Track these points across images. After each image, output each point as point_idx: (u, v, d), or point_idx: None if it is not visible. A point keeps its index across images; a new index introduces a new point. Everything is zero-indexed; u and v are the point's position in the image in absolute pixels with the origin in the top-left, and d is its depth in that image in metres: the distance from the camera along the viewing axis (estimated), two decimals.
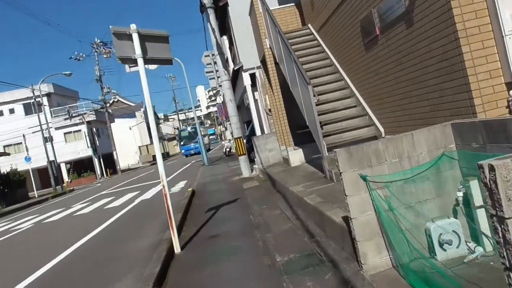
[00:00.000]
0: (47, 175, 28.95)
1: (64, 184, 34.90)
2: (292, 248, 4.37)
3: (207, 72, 14.07)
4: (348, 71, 7.87)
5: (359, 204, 3.24)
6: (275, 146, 11.61)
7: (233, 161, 19.82)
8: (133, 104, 59.35)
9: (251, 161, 13.36)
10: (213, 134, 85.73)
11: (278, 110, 10.09)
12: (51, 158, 26.96)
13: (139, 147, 53.27)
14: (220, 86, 13.74)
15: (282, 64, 8.79)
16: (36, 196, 26.74)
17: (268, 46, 9.90)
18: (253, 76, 12.44)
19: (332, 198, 5.14)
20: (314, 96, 6.61)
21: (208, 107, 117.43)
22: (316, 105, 6.72)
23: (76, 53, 33.72)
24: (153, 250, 5.22)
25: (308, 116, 7.19)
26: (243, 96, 15.91)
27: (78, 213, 11.88)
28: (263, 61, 11.35)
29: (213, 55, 13.79)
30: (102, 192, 17.69)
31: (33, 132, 31.23)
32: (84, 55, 32.62)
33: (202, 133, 36.72)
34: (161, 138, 61.50)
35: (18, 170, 27.21)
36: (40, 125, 26.63)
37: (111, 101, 53.60)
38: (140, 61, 5.07)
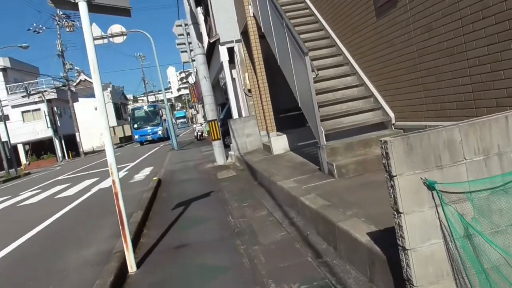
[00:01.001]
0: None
1: (21, 167, 32.39)
2: (293, 272, 3.13)
3: (178, 44, 12.49)
4: (348, 45, 6.62)
5: (421, 226, 2.01)
6: (254, 131, 10.32)
7: (205, 145, 18.41)
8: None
9: (226, 146, 12.04)
10: (184, 117, 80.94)
11: (261, 90, 8.76)
12: (4, 138, 24.55)
13: None
14: (193, 61, 12.22)
15: (269, 34, 7.43)
16: None
17: (252, 15, 8.50)
18: (231, 51, 11.00)
19: (339, 201, 3.93)
20: (312, 71, 5.33)
21: (179, 89, 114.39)
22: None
23: (35, 24, 30.80)
24: (99, 267, 3.86)
25: (301, 95, 5.91)
26: (218, 75, 14.44)
27: (24, 203, 10.21)
28: (244, 33, 9.93)
29: (186, 25, 12.21)
30: (59, 178, 15.92)
31: None
32: (44, 28, 29.88)
33: (165, 115, 33.29)
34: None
35: None
36: None
37: (77, 80, 50.47)
38: (82, 6, 3.59)
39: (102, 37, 17.94)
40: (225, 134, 12.66)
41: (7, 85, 32.61)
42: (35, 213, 8.10)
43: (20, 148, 35.04)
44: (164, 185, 8.74)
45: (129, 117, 34.25)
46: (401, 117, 5.35)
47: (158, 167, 12.78)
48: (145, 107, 36.21)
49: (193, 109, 60.17)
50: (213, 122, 10.51)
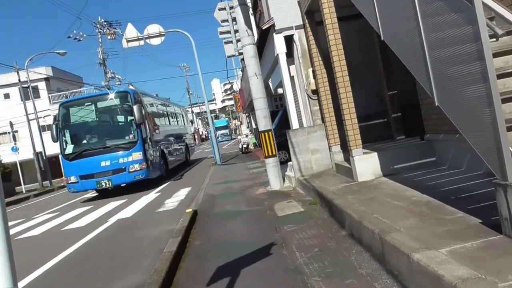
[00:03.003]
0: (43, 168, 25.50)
1: (62, 178, 31.52)
2: None
3: (221, 33, 10.16)
4: None
5: None
6: (322, 145, 7.67)
7: (251, 160, 15.92)
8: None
9: (281, 163, 9.42)
10: (226, 127, 67.07)
11: (339, 89, 6.09)
12: (40, 149, 23.42)
13: None
14: (240, 53, 9.79)
15: None
16: (24, 191, 23.31)
17: None
18: (288, 42, 8.45)
19: None
20: (494, 31, 2.60)
21: (223, 101, 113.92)
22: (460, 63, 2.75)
23: (75, 31, 29.93)
24: None
25: (447, 83, 3.17)
26: (269, 76, 11.92)
27: (23, 235, 8.01)
28: (309, 13, 7.36)
29: (231, 8, 9.81)
30: (86, 195, 13.96)
31: (30, 120, 27.82)
32: (84, 35, 28.88)
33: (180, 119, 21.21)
34: None
35: (2, 161, 23.80)
36: (26, 114, 23.14)
37: None
38: None
39: (138, 38, 16.10)
40: (279, 147, 10.10)
41: (49, 95, 32.06)
42: (22, 256, 5.82)
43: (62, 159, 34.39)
44: (200, 222, 6.22)
45: (54, 126, 12.08)
46: None
47: (196, 188, 10.36)
48: (107, 98, 12.37)
49: (236, 120, 57.98)
50: (266, 134, 7.94)
